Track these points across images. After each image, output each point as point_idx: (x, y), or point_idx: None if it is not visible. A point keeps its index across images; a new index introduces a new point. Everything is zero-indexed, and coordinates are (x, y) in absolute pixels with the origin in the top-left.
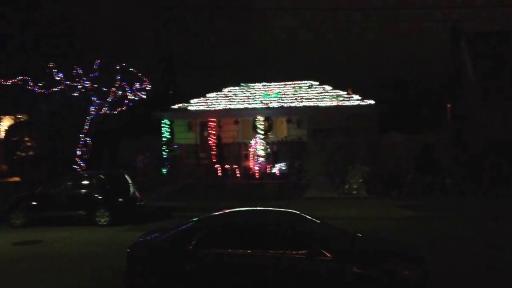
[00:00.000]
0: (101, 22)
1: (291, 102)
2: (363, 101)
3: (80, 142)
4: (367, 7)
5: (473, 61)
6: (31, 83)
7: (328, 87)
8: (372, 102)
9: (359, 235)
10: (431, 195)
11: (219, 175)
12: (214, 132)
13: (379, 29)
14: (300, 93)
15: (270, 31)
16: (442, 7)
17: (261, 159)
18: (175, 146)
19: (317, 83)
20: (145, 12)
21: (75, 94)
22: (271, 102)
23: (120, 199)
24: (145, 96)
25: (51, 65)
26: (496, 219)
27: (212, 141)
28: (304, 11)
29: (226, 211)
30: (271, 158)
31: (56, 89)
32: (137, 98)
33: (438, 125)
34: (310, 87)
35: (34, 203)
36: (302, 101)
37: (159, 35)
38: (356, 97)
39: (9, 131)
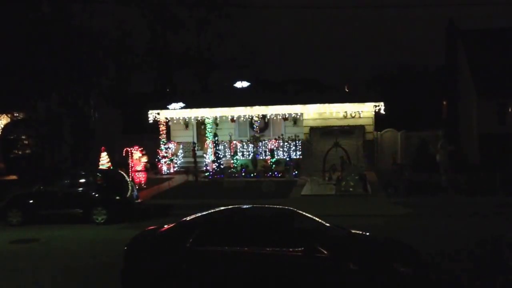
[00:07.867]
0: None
1: (288, 100)
2: (359, 99)
3: (77, 140)
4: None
5: (468, 58)
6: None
7: (324, 85)
8: (368, 99)
9: (355, 232)
10: (427, 192)
11: (217, 173)
12: (210, 130)
13: (375, 27)
14: (296, 91)
15: (268, 28)
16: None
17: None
18: (171, 144)
19: (313, 80)
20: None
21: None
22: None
23: (118, 197)
24: None
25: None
26: (490, 216)
27: (208, 139)
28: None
29: (223, 208)
30: (268, 155)
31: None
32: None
33: (434, 122)
34: (306, 84)
35: (31, 201)
36: (299, 99)
37: (156, 33)
38: (353, 94)
39: (6, 129)
